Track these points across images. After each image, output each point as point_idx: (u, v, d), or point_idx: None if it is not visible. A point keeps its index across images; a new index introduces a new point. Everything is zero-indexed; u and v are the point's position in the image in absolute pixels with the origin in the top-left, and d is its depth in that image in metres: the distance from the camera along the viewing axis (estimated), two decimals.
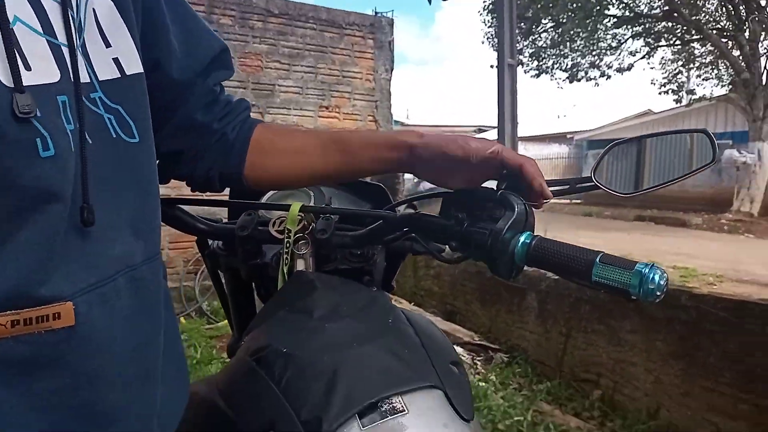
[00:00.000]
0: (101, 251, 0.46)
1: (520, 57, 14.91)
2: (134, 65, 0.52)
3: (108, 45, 0.50)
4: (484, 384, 3.13)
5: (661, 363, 2.62)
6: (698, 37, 13.56)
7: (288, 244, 0.77)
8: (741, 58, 12.21)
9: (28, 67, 0.40)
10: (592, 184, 0.75)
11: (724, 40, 12.89)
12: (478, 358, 3.58)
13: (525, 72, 15.83)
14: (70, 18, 0.44)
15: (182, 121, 0.65)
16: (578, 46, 15.38)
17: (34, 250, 0.41)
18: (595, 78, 15.95)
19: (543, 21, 14.87)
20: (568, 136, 22.04)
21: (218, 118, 0.68)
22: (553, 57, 15.59)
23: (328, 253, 0.80)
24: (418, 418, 0.54)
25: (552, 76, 15.94)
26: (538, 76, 15.84)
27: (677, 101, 15.80)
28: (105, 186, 0.46)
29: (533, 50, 15.52)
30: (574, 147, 20.56)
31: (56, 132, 0.41)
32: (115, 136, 0.48)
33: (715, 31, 13.31)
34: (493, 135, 9.09)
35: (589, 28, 14.60)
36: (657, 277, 0.52)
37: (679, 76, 15.62)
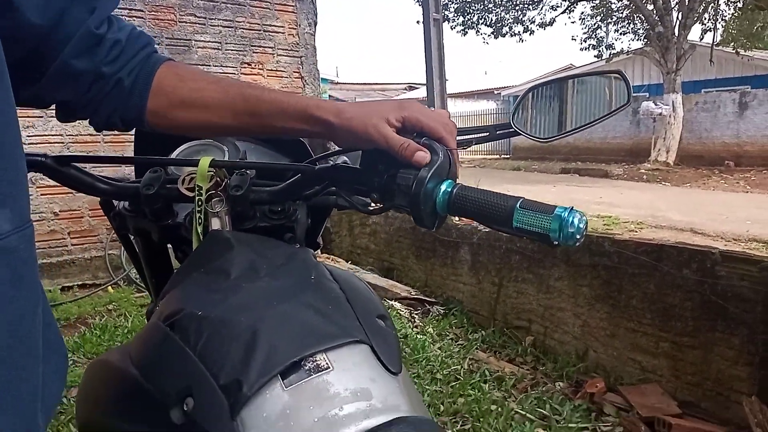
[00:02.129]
0: None
1: (446, 12, 14.88)
2: None
3: None
4: (422, 336, 3.18)
5: (588, 307, 2.73)
6: None
7: (200, 202, 0.71)
8: (654, 12, 12.70)
9: None
10: (512, 130, 0.74)
11: None
12: (416, 312, 3.63)
13: (452, 28, 15.88)
14: None
15: (60, 69, 0.58)
16: (502, 1, 15.53)
17: None
18: (519, 33, 16.22)
19: None
20: (496, 92, 22.45)
21: (107, 62, 0.61)
22: (479, 12, 15.68)
23: (244, 210, 0.75)
24: (344, 374, 0.52)
25: (478, 31, 16.08)
26: (464, 33, 15.94)
27: (597, 56, 16.33)
28: None
29: (458, 5, 15.53)
30: (502, 102, 20.99)
31: None
32: None
33: None
34: (423, 92, 9.06)
35: None
36: (576, 221, 0.52)
37: (598, 31, 16.13)
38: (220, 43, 4.83)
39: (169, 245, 0.84)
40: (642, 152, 13.86)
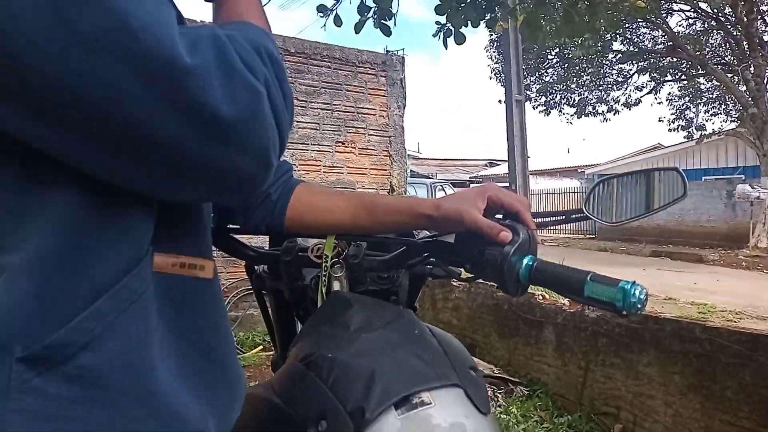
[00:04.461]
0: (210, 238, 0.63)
1: (528, 93, 15.15)
2: None
3: None
4: (505, 416, 3.12)
5: (680, 396, 2.60)
6: (703, 72, 13.70)
7: (326, 268, 0.85)
8: (747, 92, 12.32)
9: None
10: (584, 215, 0.85)
11: (729, 75, 13.01)
12: (499, 391, 3.57)
13: (534, 108, 16.02)
14: None
15: None
16: (585, 81, 15.57)
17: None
18: (603, 113, 16.12)
19: (549, 57, 15.12)
20: (579, 170, 22.19)
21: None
22: (561, 92, 15.78)
23: (359, 275, 0.88)
24: (443, 409, 0.64)
25: (560, 111, 16.12)
26: (547, 112, 16.02)
27: (687, 137, 15.87)
28: None
29: (540, 86, 15.72)
30: (585, 181, 20.66)
31: None
32: None
33: (719, 66, 13.45)
34: (503, 169, 9.21)
35: (594, 63, 14.81)
36: (638, 292, 0.61)
37: (687, 111, 15.73)
38: (318, 123, 5.26)
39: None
40: (738, 237, 13.05)
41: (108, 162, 0.46)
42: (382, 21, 2.96)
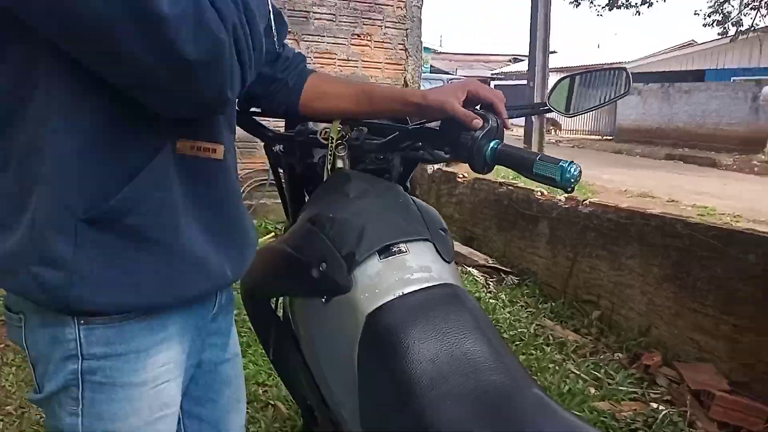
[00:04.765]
0: (226, 120, 0.80)
1: None
2: None
3: None
4: (493, 300, 3.44)
5: (656, 286, 2.87)
6: None
7: (331, 149, 1.04)
8: None
9: None
10: (547, 107, 1.03)
11: None
12: (491, 279, 3.88)
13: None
14: None
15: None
16: None
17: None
18: (636, 5, 15.27)
19: None
20: (607, 66, 21.35)
21: (281, 70, 1.00)
22: None
23: (359, 156, 1.08)
24: (415, 256, 0.86)
25: (591, 2, 15.29)
26: (577, 4, 15.23)
27: (721, 33, 15.11)
28: None
29: None
30: None
31: None
32: None
33: None
34: (527, 65, 8.98)
35: None
36: (573, 170, 0.78)
37: (726, 5, 14.80)
38: (334, 15, 5.21)
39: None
40: (757, 142, 12.84)
41: (102, 72, 0.62)
42: None
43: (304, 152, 1.12)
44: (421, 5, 5.61)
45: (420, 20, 5.64)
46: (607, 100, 1.05)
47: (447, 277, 0.86)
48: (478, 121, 0.87)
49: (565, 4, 17.52)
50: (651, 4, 15.17)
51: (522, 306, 3.43)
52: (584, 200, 3.51)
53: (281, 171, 1.22)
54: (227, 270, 0.78)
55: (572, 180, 0.78)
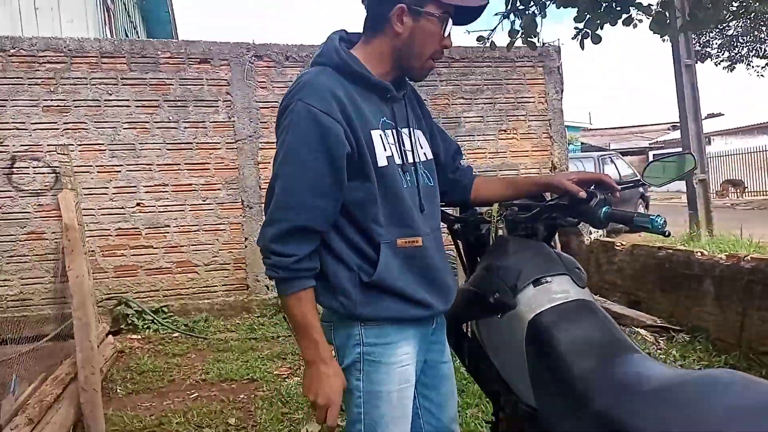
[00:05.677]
0: (427, 221, 1.34)
1: (708, 49, 13.91)
2: (429, 154, 1.41)
3: (422, 147, 1.39)
4: (663, 356, 3.54)
5: None
6: None
7: (493, 223, 1.60)
8: None
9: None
10: (641, 182, 1.51)
11: None
12: (661, 338, 3.96)
13: (716, 65, 14.60)
14: (413, 139, 1.36)
15: (445, 178, 1.53)
16: None
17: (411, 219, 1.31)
18: None
19: (730, 8, 13.62)
20: None
21: (458, 177, 1.57)
22: (748, 44, 14.14)
23: (513, 226, 1.60)
24: (557, 284, 1.33)
25: (748, 64, 14.46)
26: (731, 68, 14.49)
27: None
28: (426, 199, 1.34)
29: (723, 40, 14.27)
30: None
31: (410, 179, 1.32)
32: (427, 181, 1.37)
33: None
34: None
35: None
36: (660, 220, 1.25)
37: None
38: (482, 117, 5.99)
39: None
40: None
41: None
42: (528, 39, 3.56)
43: (475, 228, 1.65)
44: (561, 98, 6.17)
45: (561, 111, 6.19)
46: (678, 175, 1.52)
47: (581, 295, 1.32)
48: (583, 193, 1.36)
49: (717, 69, 16.62)
50: None
51: (694, 360, 3.50)
52: (745, 256, 3.60)
53: (459, 242, 1.75)
54: (439, 305, 1.34)
55: (660, 226, 1.23)
